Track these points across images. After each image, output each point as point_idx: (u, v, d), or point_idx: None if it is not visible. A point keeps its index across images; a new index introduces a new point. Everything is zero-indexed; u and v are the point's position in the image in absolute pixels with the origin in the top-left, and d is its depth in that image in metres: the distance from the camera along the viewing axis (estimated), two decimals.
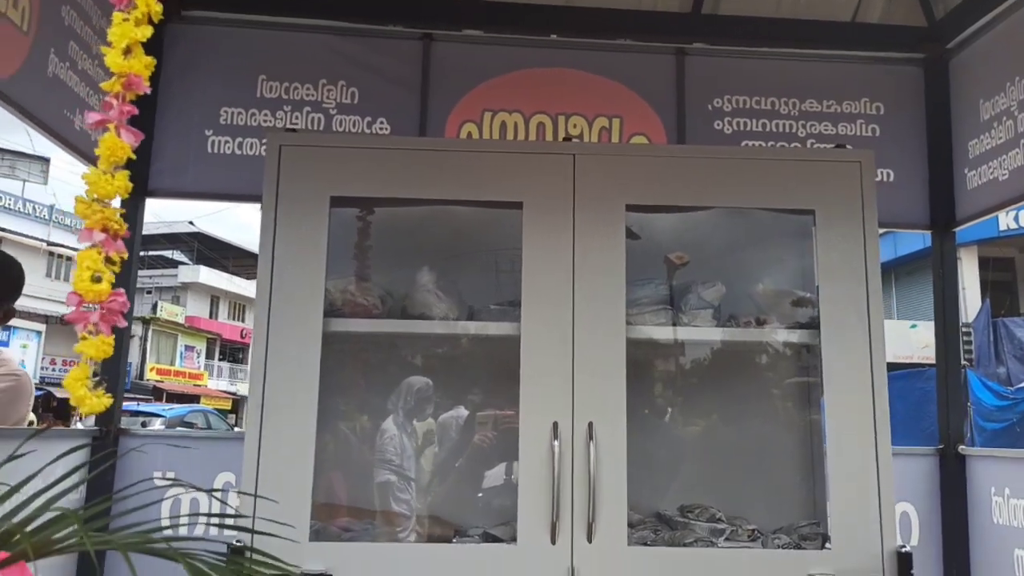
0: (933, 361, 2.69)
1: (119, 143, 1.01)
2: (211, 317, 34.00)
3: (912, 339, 11.90)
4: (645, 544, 1.81)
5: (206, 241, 31.33)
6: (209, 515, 0.87)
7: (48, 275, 26.22)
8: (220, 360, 34.54)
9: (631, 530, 1.78)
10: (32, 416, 2.66)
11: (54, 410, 8.43)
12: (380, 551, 1.81)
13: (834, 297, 1.83)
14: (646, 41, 2.74)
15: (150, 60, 1.02)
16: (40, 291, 22.32)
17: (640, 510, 1.92)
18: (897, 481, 2.01)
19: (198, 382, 31.23)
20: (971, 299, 14.58)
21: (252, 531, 0.87)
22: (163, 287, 33.51)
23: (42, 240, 28.17)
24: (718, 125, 2.74)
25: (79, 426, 5.31)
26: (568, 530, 1.71)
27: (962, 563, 2.51)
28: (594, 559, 1.70)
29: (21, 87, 1.92)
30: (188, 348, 32.34)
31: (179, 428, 11.22)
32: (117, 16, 1.05)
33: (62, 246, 28.65)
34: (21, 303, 2.28)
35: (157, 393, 26.58)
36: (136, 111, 1.03)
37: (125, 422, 2.78)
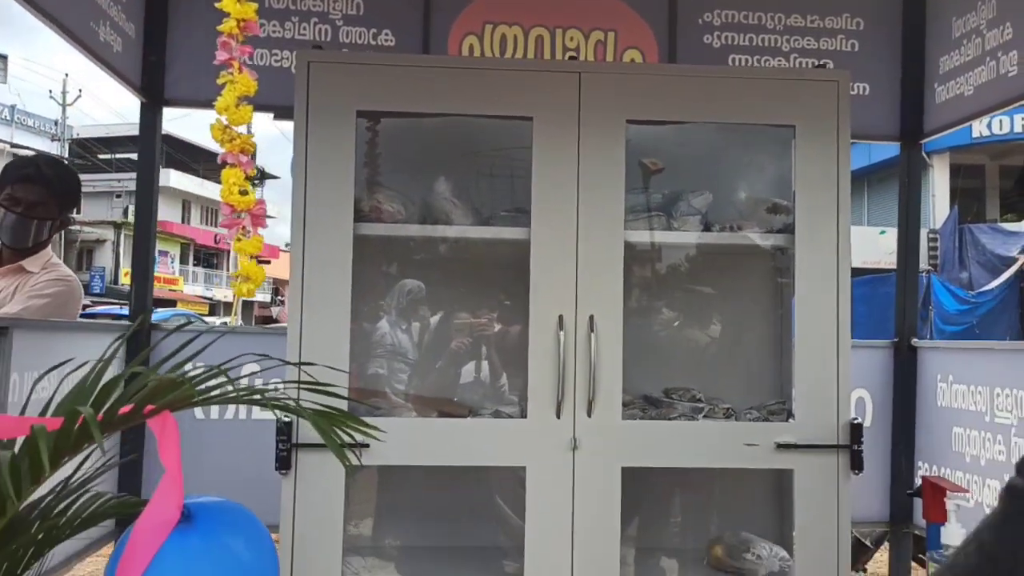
0: None
1: (246, 79, 1.17)
2: (183, 222, 33.64)
3: (880, 244, 12.32)
4: (635, 419, 2.09)
5: (174, 144, 30.62)
6: (264, 392, 1.04)
7: None
8: (194, 266, 34.40)
9: (624, 408, 2.06)
10: None
11: None
12: (406, 425, 2.07)
13: (809, 205, 2.06)
14: None
15: (255, 4, 1.16)
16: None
17: (631, 392, 2.19)
18: (855, 370, 2.31)
19: (173, 287, 31.15)
20: (940, 206, 14.96)
21: (318, 389, 1.07)
22: (132, 191, 32.91)
23: (5, 142, 27.31)
24: (707, 39, 2.87)
25: None
26: (571, 407, 1.98)
27: (908, 440, 2.86)
28: (593, 431, 1.98)
29: None
30: (162, 253, 32.09)
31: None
32: None
33: (26, 148, 27.84)
34: None
35: None
36: (251, 50, 1.18)
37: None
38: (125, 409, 0.96)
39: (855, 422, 2.04)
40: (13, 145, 27.33)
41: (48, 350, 2.03)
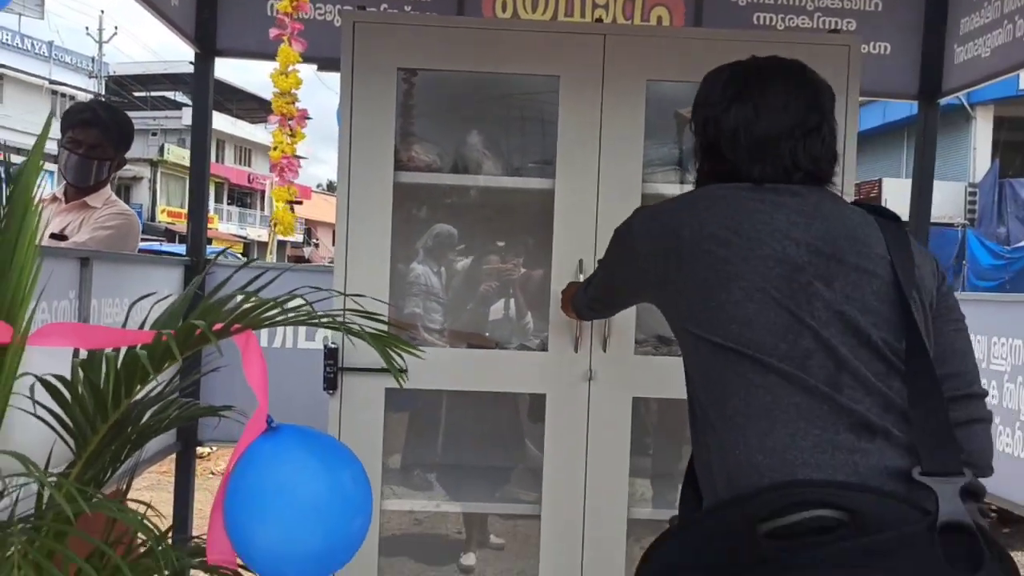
0: (935, 219, 3.07)
1: (291, 52, 1.38)
2: (217, 161, 34.01)
3: None
4: (648, 355, 2.29)
5: None
6: (333, 315, 1.22)
7: (53, 115, 25.98)
8: (228, 204, 34.94)
9: (637, 345, 2.25)
10: None
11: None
12: (441, 353, 2.29)
13: None
14: None
15: None
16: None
17: (645, 332, 2.38)
18: None
19: (209, 225, 31.60)
20: (981, 160, 14.64)
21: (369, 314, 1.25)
22: (168, 129, 33.26)
23: (44, 78, 27.67)
24: None
25: None
26: (588, 342, 2.18)
27: None
28: (608, 363, 2.18)
29: None
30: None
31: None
32: None
33: (64, 84, 28.19)
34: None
35: (169, 235, 27.17)
36: (301, 27, 1.38)
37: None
38: (218, 326, 1.17)
39: None
40: (52, 82, 27.70)
41: (120, 279, 2.29)
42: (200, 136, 2.94)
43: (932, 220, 3.13)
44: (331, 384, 2.11)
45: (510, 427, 2.65)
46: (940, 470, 1.02)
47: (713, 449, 1.14)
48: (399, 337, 1.34)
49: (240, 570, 1.30)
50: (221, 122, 32.88)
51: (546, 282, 2.22)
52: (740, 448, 1.08)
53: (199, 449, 3.51)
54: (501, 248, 2.73)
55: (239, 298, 1.30)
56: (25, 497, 1.25)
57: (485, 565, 2.99)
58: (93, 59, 29.85)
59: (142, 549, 1.37)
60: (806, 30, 2.87)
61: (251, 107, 35.74)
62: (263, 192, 33.87)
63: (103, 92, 28.56)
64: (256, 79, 26.18)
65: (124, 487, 1.48)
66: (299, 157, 1.51)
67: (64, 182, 2.62)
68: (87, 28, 29.93)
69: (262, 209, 35.28)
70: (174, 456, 2.89)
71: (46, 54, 28.14)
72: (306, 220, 30.75)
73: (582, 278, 2.14)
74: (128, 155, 2.76)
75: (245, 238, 33.25)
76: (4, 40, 26.13)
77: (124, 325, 1.48)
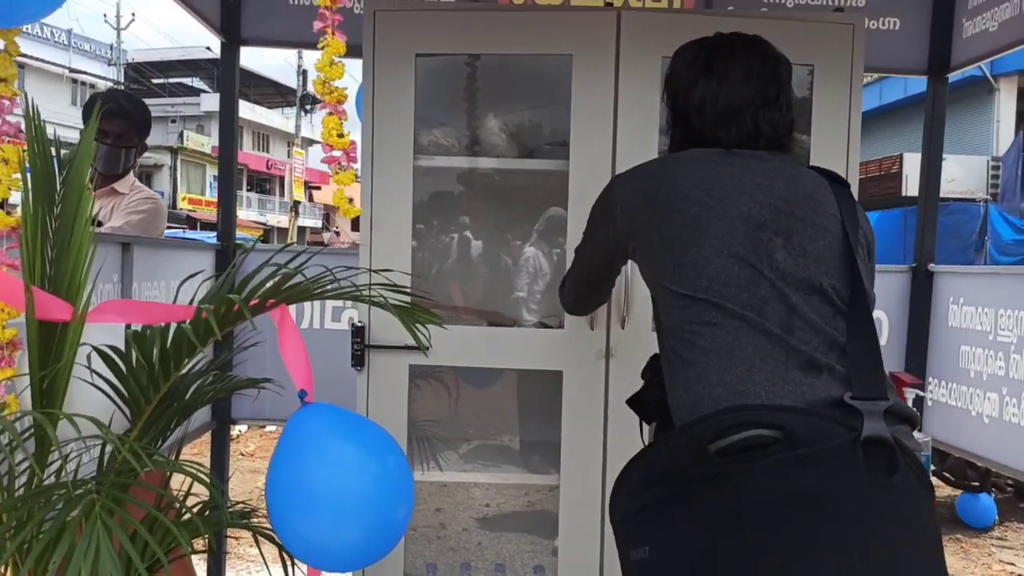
0: (957, 195, 3.10)
1: (338, 43, 1.47)
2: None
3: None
4: None
5: None
6: (361, 289, 1.31)
7: (73, 103, 26.23)
8: (248, 191, 35.18)
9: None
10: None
11: None
12: (462, 330, 2.36)
13: (823, 138, 2.26)
14: None
15: None
16: (68, 119, 22.60)
17: None
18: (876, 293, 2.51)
19: None
20: (1005, 132, 14.41)
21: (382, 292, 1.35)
22: (186, 116, 33.49)
23: (64, 67, 27.93)
24: None
25: None
26: (604, 320, 2.26)
27: (920, 358, 3.08)
28: (626, 339, 2.26)
29: None
30: (215, 179, 32.70)
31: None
32: None
33: (84, 73, 28.45)
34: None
35: (191, 222, 27.46)
36: (341, 19, 1.48)
37: None
38: (254, 302, 1.27)
39: None
40: (72, 70, 27.98)
41: (157, 263, 2.40)
42: (227, 124, 3.04)
43: (954, 196, 3.16)
44: (358, 361, 2.21)
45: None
46: (867, 395, 1.18)
47: (679, 385, 1.29)
48: (425, 309, 1.44)
49: (273, 533, 1.41)
50: (239, 108, 32.98)
51: (563, 261, 2.30)
52: (703, 383, 1.24)
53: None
54: (519, 228, 2.81)
55: (274, 276, 1.39)
56: (84, 463, 1.37)
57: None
58: (112, 46, 30.08)
59: (186, 516, 1.49)
60: (816, 8, 2.91)
61: (268, 92, 35.88)
62: (282, 178, 34.09)
63: (122, 80, 28.81)
64: (270, 63, 26.26)
65: (174, 457, 1.59)
66: (352, 141, 1.67)
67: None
68: (105, 15, 30.13)
69: (281, 195, 35.51)
70: (206, 437, 3.03)
71: (65, 42, 28.40)
72: (324, 206, 30.92)
73: None
74: (148, 143, 2.87)
75: (265, 224, 33.51)
76: (24, 29, 26.31)
77: (193, 300, 1.58)
